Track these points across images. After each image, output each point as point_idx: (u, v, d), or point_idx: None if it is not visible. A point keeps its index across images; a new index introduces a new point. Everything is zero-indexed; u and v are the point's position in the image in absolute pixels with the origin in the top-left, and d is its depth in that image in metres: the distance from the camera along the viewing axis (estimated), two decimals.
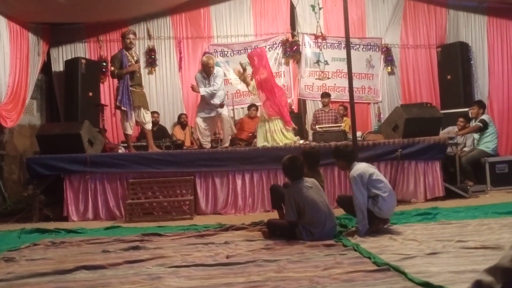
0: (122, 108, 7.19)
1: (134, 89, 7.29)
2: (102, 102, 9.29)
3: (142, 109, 7.45)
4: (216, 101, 7.56)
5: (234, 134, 8.49)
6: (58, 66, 9.62)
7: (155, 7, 9.63)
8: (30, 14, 8.05)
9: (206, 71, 7.54)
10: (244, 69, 7.73)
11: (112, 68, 7.33)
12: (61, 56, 9.65)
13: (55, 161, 6.65)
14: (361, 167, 4.52)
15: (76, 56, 9.48)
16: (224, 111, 7.71)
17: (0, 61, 7.58)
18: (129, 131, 7.41)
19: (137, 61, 7.51)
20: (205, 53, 9.44)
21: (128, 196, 6.55)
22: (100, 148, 7.26)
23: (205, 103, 7.56)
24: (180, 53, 9.94)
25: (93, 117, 8.61)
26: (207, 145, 7.59)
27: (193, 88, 7.68)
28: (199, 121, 7.60)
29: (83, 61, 9.11)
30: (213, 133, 8.03)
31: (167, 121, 9.77)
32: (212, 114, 7.61)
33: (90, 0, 7.79)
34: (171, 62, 10.02)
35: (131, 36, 7.47)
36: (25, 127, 8.78)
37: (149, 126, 7.62)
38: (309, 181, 4.52)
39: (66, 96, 9.16)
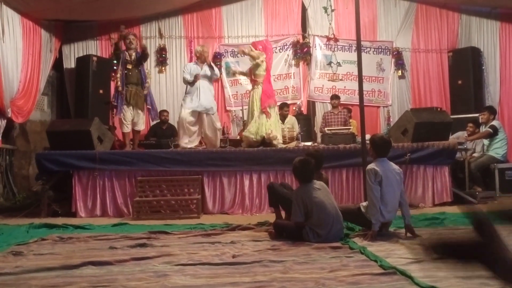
0: (113, 103, 7.33)
1: (127, 88, 7.47)
2: (112, 99, 9.33)
3: (134, 108, 7.60)
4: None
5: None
6: (69, 63, 9.69)
7: (167, 6, 9.66)
8: (43, 11, 8.12)
9: (202, 59, 7.66)
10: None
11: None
12: (72, 53, 9.72)
13: (65, 157, 6.70)
14: (380, 166, 4.47)
15: (87, 53, 9.55)
16: (215, 115, 7.84)
17: (13, 57, 7.65)
18: (125, 129, 7.57)
19: (134, 60, 7.67)
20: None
21: (136, 194, 6.59)
22: (109, 145, 7.31)
23: (194, 96, 7.52)
24: (191, 52, 9.95)
25: (103, 114, 8.65)
26: (188, 146, 7.45)
27: (196, 77, 7.51)
28: (186, 114, 7.47)
29: (94, 58, 9.17)
30: (200, 133, 7.80)
31: (177, 119, 9.76)
32: (200, 109, 7.54)
33: None
34: (182, 62, 10.03)
35: (131, 37, 7.76)
36: (36, 123, 8.85)
37: (138, 127, 7.77)
38: (317, 183, 4.52)
39: (77, 93, 9.22)
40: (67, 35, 9.61)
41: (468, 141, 7.99)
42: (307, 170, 4.52)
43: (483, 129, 8.15)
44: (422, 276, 3.00)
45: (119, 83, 7.53)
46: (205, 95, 7.55)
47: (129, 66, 7.56)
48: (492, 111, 8.25)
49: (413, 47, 10.36)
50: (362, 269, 3.27)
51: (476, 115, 8.62)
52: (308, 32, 10.17)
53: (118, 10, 9.02)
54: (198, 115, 7.60)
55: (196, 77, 7.48)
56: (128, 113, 7.54)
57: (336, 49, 10.14)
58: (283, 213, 5.08)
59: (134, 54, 7.68)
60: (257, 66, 7.48)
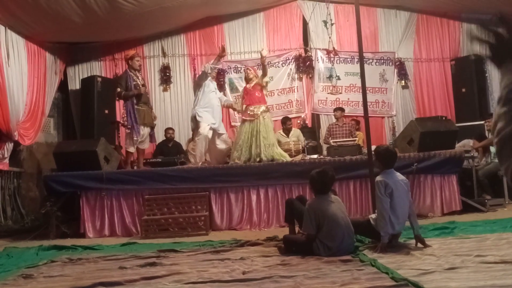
0: (128, 127, 7.29)
1: (140, 108, 7.43)
2: (118, 119, 9.37)
3: (146, 127, 7.55)
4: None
5: None
6: (74, 84, 9.78)
7: (170, 25, 9.75)
8: (47, 34, 8.22)
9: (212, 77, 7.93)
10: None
11: (119, 90, 7.44)
12: (77, 75, 9.81)
13: (72, 178, 6.72)
14: (389, 177, 4.46)
15: (92, 74, 9.63)
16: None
17: (18, 80, 7.72)
18: (132, 149, 7.52)
19: (143, 85, 7.62)
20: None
21: (144, 213, 6.59)
22: (116, 165, 7.32)
23: (214, 113, 7.66)
24: (195, 70, 10.02)
25: (109, 134, 8.69)
26: (202, 160, 7.53)
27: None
28: (208, 130, 7.54)
29: (99, 79, 9.23)
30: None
31: (182, 137, 9.82)
32: (218, 129, 7.73)
33: (106, 20, 7.92)
34: (186, 79, 10.12)
35: (139, 58, 7.76)
36: (42, 145, 8.91)
37: (144, 146, 7.70)
38: (333, 197, 4.52)
39: (82, 114, 9.27)
40: (71, 57, 9.72)
41: (474, 149, 7.96)
42: (323, 182, 4.51)
43: (489, 136, 8.13)
44: (434, 287, 2.98)
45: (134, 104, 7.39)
46: (220, 116, 7.85)
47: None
48: None
49: (415, 57, 10.39)
50: (374, 281, 3.25)
51: (481, 122, 8.60)
52: (310, 45, 10.22)
53: (121, 31, 9.12)
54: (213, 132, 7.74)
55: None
56: (141, 132, 7.47)
57: (338, 61, 10.17)
58: (297, 228, 5.09)
59: (139, 75, 7.73)
60: (265, 85, 7.55)
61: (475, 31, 1.22)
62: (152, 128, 7.80)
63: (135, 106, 7.37)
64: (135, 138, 7.37)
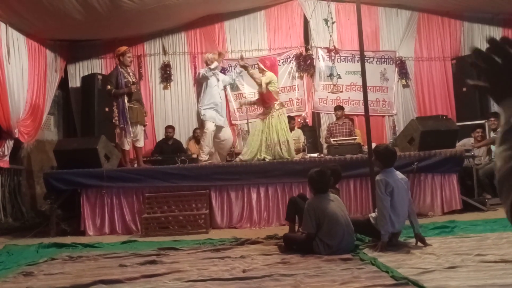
0: (120, 125, 7.26)
1: (132, 105, 7.38)
2: (116, 121, 9.33)
3: (138, 125, 7.51)
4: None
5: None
6: (75, 82, 9.77)
7: (170, 23, 9.74)
8: (48, 31, 8.21)
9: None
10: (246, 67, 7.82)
11: (109, 87, 7.35)
12: (78, 72, 9.80)
13: (72, 176, 6.72)
14: (389, 176, 4.46)
15: (92, 72, 9.62)
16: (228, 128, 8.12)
17: (19, 77, 7.72)
18: (127, 147, 7.47)
19: (134, 82, 7.52)
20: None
21: (144, 210, 6.59)
22: (116, 162, 7.32)
23: (218, 109, 7.68)
24: (195, 68, 9.99)
25: (109, 132, 8.63)
26: (205, 158, 7.52)
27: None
28: (213, 127, 7.60)
29: (100, 77, 9.23)
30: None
31: (182, 135, 9.82)
32: (224, 125, 7.77)
33: (106, 17, 7.91)
34: (186, 77, 10.10)
35: (130, 54, 7.70)
36: (43, 142, 8.90)
37: (140, 144, 7.65)
38: (332, 196, 4.52)
39: (83, 112, 9.27)
40: (72, 54, 9.71)
41: (475, 148, 7.95)
42: (322, 181, 4.51)
43: (491, 135, 8.12)
44: (434, 286, 2.98)
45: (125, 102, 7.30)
46: (224, 111, 7.93)
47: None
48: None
49: (416, 56, 10.37)
50: (374, 280, 3.25)
51: (482, 121, 8.59)
52: (310, 44, 10.20)
53: (122, 29, 9.11)
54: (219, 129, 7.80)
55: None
56: (132, 131, 7.43)
57: (339, 60, 10.15)
58: (296, 227, 5.09)
59: (130, 71, 7.69)
60: (270, 83, 7.44)
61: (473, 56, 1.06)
62: (144, 125, 7.76)
63: (128, 104, 7.31)
64: (125, 138, 7.34)
